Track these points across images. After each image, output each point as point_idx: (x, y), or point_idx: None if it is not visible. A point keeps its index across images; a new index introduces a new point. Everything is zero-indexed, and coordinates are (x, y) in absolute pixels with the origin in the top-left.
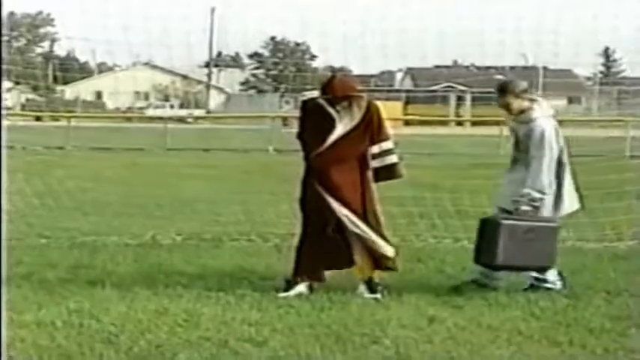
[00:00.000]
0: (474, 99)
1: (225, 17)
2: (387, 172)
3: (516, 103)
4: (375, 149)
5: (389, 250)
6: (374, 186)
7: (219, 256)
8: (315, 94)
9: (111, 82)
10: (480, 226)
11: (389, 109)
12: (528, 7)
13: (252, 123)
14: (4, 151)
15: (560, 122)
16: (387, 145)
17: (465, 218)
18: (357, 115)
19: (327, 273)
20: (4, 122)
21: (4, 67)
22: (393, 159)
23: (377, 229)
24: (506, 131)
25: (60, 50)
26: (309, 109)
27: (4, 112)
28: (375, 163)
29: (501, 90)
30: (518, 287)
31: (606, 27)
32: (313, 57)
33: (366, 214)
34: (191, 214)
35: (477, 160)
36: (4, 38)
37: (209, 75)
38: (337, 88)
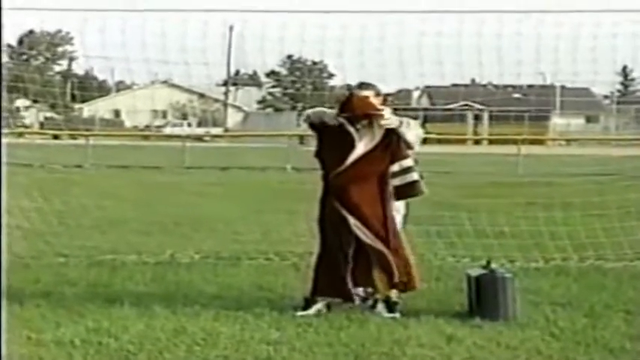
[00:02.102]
0: (491, 117)
1: (243, 35)
2: (409, 190)
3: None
4: (395, 167)
5: (409, 269)
6: (393, 204)
7: (238, 274)
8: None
9: (129, 101)
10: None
11: None
12: (546, 26)
13: (269, 141)
14: (4, 168)
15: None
16: (407, 162)
17: (483, 237)
18: (378, 133)
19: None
20: (8, 139)
21: (20, 85)
22: (413, 176)
23: (397, 248)
24: (524, 150)
25: (78, 69)
26: (327, 128)
27: (17, 129)
28: (395, 182)
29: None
30: (538, 306)
31: (624, 45)
32: (330, 75)
33: (387, 233)
34: (209, 233)
35: (494, 179)
36: (23, 57)
37: (226, 93)
38: (357, 106)
